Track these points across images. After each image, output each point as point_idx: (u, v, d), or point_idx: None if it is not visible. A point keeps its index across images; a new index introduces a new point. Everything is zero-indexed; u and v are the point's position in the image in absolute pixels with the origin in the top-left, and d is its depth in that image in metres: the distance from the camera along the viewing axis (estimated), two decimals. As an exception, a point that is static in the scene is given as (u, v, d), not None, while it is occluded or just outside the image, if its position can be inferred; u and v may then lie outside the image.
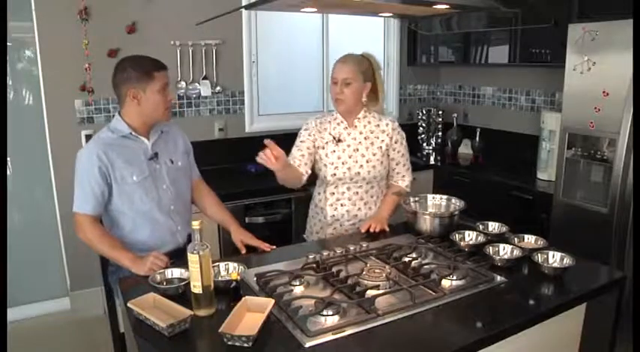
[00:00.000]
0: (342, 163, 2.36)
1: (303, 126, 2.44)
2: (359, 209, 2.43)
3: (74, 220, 2.04)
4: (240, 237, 2.20)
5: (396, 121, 2.49)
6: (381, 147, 2.39)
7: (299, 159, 2.33)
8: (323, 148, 2.37)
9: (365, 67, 2.34)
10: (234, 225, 2.28)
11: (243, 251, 2.16)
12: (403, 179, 2.51)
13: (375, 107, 2.45)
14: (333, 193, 2.41)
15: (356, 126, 2.40)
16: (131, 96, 2.03)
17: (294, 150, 2.37)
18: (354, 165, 2.36)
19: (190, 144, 2.36)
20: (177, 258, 1.98)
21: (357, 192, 2.41)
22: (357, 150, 2.37)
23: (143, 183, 2.10)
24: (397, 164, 2.47)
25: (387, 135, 2.41)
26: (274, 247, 2.17)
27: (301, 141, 2.38)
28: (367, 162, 2.37)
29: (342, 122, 2.39)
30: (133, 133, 2.09)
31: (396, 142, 2.43)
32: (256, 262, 1.98)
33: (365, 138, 2.39)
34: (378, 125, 2.42)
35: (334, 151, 2.36)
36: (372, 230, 2.30)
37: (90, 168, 2.00)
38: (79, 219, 2.03)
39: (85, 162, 2.01)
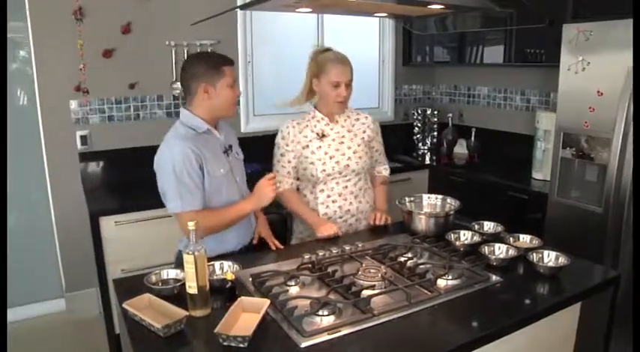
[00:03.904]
0: (330, 158, 2.34)
1: (280, 132, 2.40)
2: (350, 203, 2.40)
3: (183, 222, 1.92)
4: (263, 230, 2.35)
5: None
6: (363, 138, 2.42)
7: (286, 176, 2.38)
8: (307, 147, 2.35)
9: None
10: (262, 218, 2.40)
11: (255, 241, 2.29)
12: (385, 166, 2.61)
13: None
14: (323, 190, 2.37)
15: (337, 121, 2.39)
16: (202, 91, 2.01)
17: (278, 166, 2.39)
18: (342, 158, 2.35)
19: None
20: (251, 250, 2.18)
21: (347, 186, 2.39)
22: (343, 143, 2.37)
23: (227, 176, 2.10)
24: (380, 154, 2.56)
25: (369, 127, 2.45)
26: (281, 247, 2.25)
27: (281, 155, 2.38)
28: (354, 153, 2.37)
29: (322, 119, 2.38)
30: (210, 128, 2.08)
31: (377, 134, 2.51)
32: (251, 262, 1.97)
33: (348, 131, 2.40)
34: (358, 119, 2.45)
35: (320, 147, 2.34)
36: (377, 222, 2.37)
37: (188, 162, 1.95)
38: (191, 216, 1.87)
39: (182, 158, 1.94)
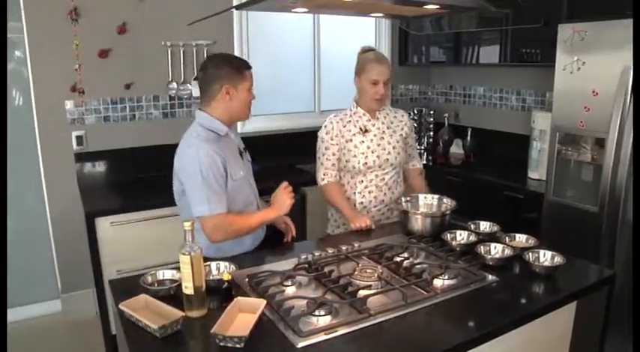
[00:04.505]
0: (372, 152, 2.48)
1: (323, 127, 2.52)
2: (384, 194, 2.54)
3: (210, 225, 1.97)
4: (285, 218, 2.31)
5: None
6: (402, 134, 2.58)
7: (331, 168, 2.51)
8: (350, 141, 2.48)
9: None
10: None
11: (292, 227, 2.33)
12: (418, 159, 2.79)
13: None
14: (362, 181, 2.52)
15: (378, 118, 2.55)
16: (224, 92, 2.02)
17: (323, 159, 2.51)
18: (382, 152, 2.50)
19: None
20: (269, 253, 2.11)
21: (383, 178, 2.53)
22: (383, 138, 2.52)
23: (245, 178, 2.13)
24: (413, 149, 2.74)
25: (406, 124, 2.62)
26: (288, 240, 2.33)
27: (326, 149, 2.50)
28: (393, 148, 2.53)
29: (364, 115, 2.52)
30: (228, 131, 2.10)
31: (411, 130, 2.67)
32: (248, 262, 1.97)
33: (387, 128, 2.55)
34: (396, 116, 2.61)
35: (363, 141, 2.49)
36: None
37: (214, 165, 1.96)
38: (217, 219, 1.96)
39: (209, 161, 1.95)
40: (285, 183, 2.15)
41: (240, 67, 2.05)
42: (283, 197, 2.11)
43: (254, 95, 2.13)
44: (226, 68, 2.03)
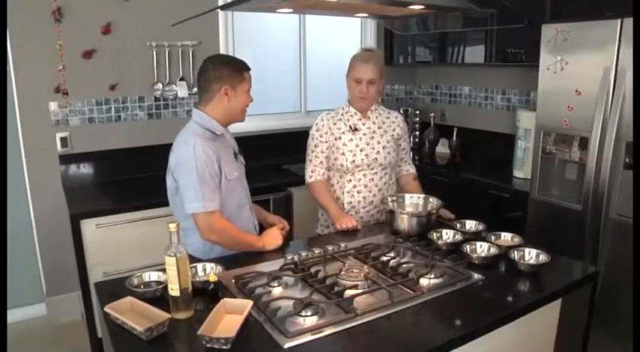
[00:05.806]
0: (360, 150, 2.47)
1: (314, 125, 2.53)
2: (374, 195, 2.52)
3: (205, 223, 1.96)
4: (274, 219, 2.36)
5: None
6: (393, 135, 2.56)
7: (319, 166, 2.51)
8: (340, 138, 2.48)
9: (382, 63, 2.49)
10: (265, 212, 2.45)
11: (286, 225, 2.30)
12: (411, 164, 2.75)
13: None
14: (350, 180, 2.50)
15: (369, 118, 2.54)
16: (223, 93, 2.02)
17: (312, 156, 2.52)
18: (371, 151, 2.48)
19: None
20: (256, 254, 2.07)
21: (373, 179, 2.51)
22: (373, 137, 2.51)
23: (239, 180, 2.13)
24: (406, 153, 2.71)
25: (399, 126, 2.60)
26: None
27: (315, 146, 2.51)
28: (383, 148, 2.51)
29: (355, 114, 2.52)
30: (224, 132, 2.10)
31: (405, 133, 2.65)
32: (234, 263, 1.97)
33: (378, 128, 2.54)
34: (389, 117, 2.60)
35: (352, 140, 2.48)
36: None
37: (210, 163, 1.96)
38: (212, 217, 1.96)
39: (205, 158, 1.95)
40: (282, 225, 2.24)
41: (241, 70, 2.06)
42: (276, 235, 2.12)
43: (252, 98, 2.13)
44: (226, 69, 2.03)
